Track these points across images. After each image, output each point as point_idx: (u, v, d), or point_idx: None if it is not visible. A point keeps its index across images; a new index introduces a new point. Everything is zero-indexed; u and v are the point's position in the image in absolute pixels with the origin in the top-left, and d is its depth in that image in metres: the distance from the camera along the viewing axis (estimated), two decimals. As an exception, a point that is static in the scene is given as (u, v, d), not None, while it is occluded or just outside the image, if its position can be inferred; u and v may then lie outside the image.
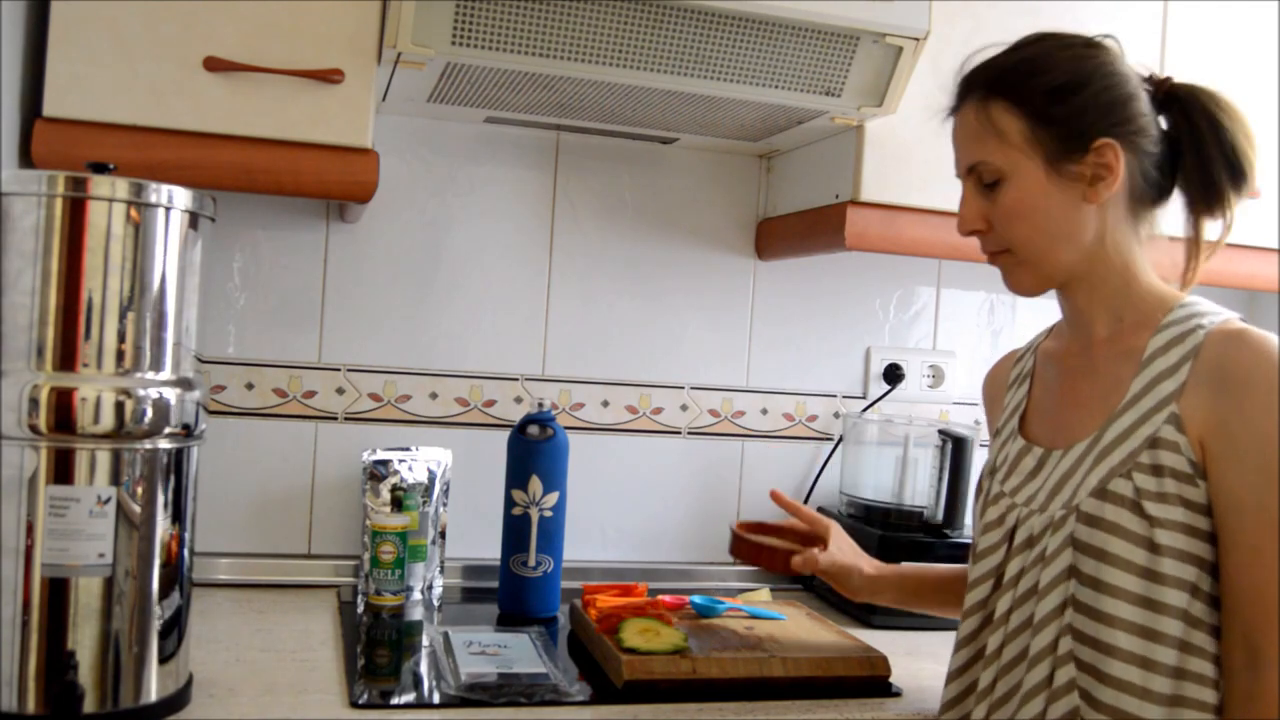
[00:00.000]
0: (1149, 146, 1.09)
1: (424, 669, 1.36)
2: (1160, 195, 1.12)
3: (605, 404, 1.88)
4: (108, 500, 1.07)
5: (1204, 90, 1.11)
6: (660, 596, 1.58)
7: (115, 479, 1.07)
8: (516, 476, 1.61)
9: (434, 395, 1.80)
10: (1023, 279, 1.12)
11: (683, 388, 1.93)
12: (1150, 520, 1.00)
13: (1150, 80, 1.12)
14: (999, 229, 1.10)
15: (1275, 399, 0.97)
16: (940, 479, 1.78)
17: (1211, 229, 1.12)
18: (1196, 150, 1.09)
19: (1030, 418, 1.19)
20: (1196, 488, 1.00)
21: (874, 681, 1.37)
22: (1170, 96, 1.11)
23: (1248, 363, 0.99)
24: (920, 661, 1.50)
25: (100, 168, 1.09)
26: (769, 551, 1.40)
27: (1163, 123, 1.12)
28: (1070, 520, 1.05)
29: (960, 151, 1.14)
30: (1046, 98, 1.07)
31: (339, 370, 1.76)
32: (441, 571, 1.69)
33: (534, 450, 1.61)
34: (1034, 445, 1.14)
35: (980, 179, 1.11)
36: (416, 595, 1.65)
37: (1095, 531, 1.03)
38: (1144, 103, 1.09)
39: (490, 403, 1.83)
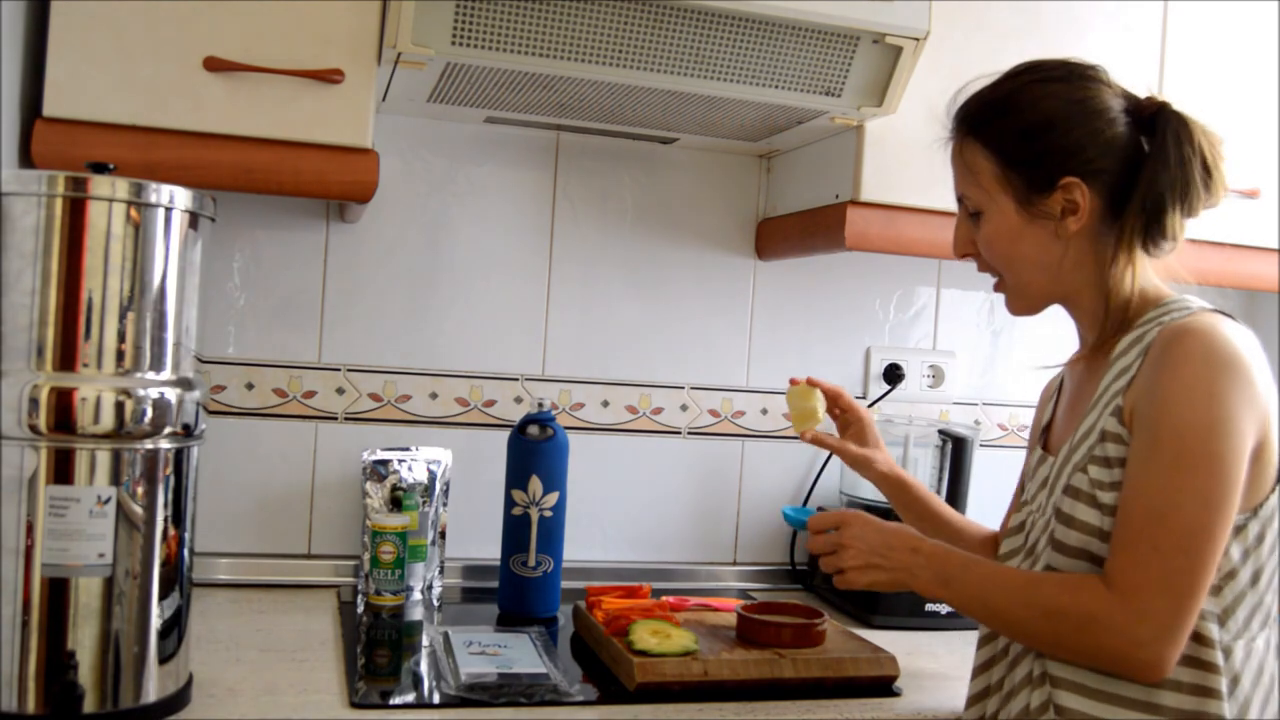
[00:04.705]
0: (1122, 174, 1.10)
1: (424, 669, 1.36)
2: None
3: (605, 404, 1.88)
4: (108, 500, 1.07)
5: (1176, 115, 1.10)
6: (666, 598, 1.58)
7: (115, 479, 1.07)
8: (516, 476, 1.61)
9: (434, 395, 1.80)
10: (1018, 301, 1.19)
11: (683, 388, 1.93)
12: (1102, 509, 1.05)
13: (1134, 104, 1.13)
14: (986, 256, 1.18)
15: (1187, 382, 1.00)
16: (940, 479, 1.78)
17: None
18: (1153, 174, 1.09)
19: (1051, 428, 1.25)
20: None
21: (883, 682, 1.37)
22: (1150, 119, 1.11)
23: (1175, 348, 1.03)
24: (920, 661, 1.50)
25: (100, 168, 1.09)
26: (774, 628, 1.41)
27: (1145, 145, 1.12)
28: (1052, 520, 1.11)
29: (954, 179, 1.20)
30: (1015, 140, 1.11)
31: (339, 370, 1.76)
32: (441, 571, 1.69)
33: (534, 450, 1.61)
34: (1047, 455, 1.20)
35: (966, 208, 1.18)
36: (416, 595, 1.65)
37: (1059, 525, 1.09)
38: (1119, 133, 1.10)
39: (490, 403, 1.83)
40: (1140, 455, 1.02)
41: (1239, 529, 1.04)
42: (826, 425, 1.46)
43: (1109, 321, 1.13)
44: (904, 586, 1.14)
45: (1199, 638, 1.02)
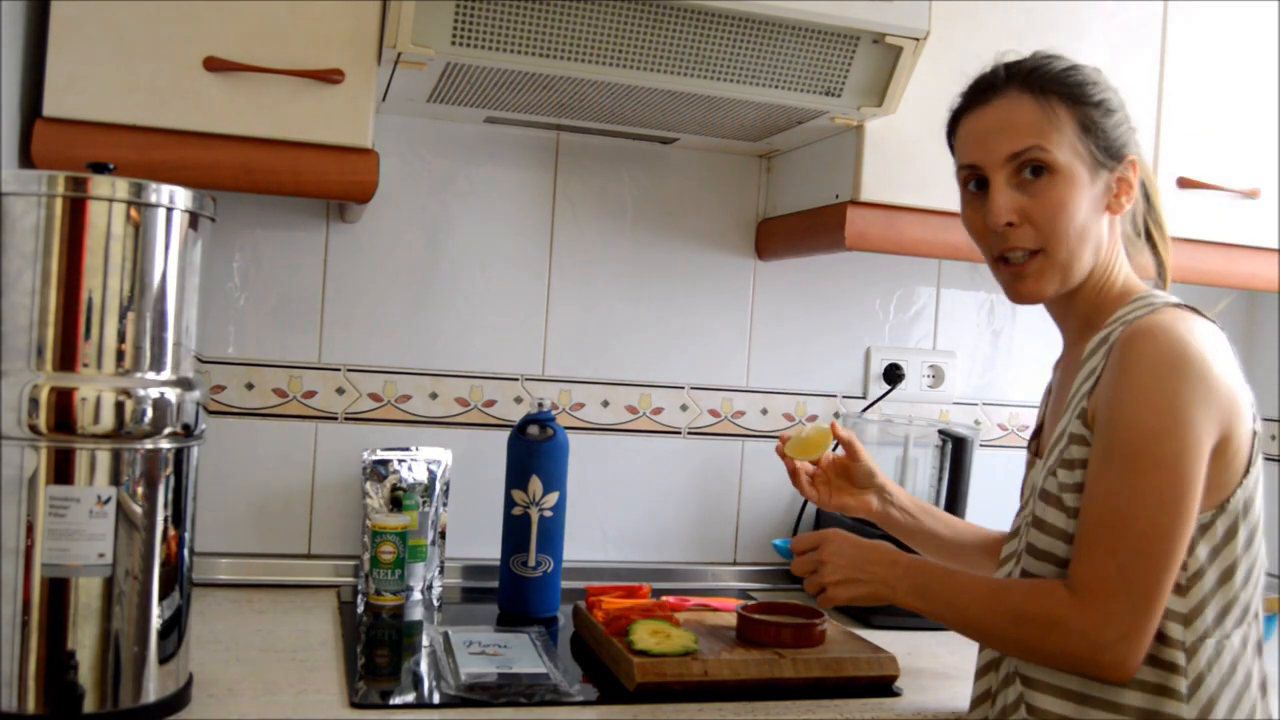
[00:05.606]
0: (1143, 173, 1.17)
1: (424, 669, 1.36)
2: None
3: (605, 404, 1.88)
4: (108, 500, 1.07)
5: None
6: (666, 598, 1.58)
7: (115, 479, 1.07)
8: (516, 476, 1.61)
9: (434, 395, 1.80)
10: (1048, 281, 1.12)
11: (683, 388, 1.93)
12: (1067, 512, 1.06)
13: None
14: (1039, 223, 1.10)
15: (1140, 384, 1.01)
16: (940, 479, 1.78)
17: None
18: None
19: (1041, 433, 1.25)
20: None
21: (883, 682, 1.37)
22: None
23: (1129, 350, 1.03)
24: (920, 661, 1.50)
25: (100, 168, 1.09)
26: (774, 628, 1.41)
27: None
28: (1030, 526, 1.12)
29: (1003, 138, 1.11)
30: (1097, 108, 1.11)
31: (339, 370, 1.76)
32: (441, 571, 1.69)
33: (534, 450, 1.61)
34: (1035, 459, 1.21)
35: (1021, 168, 1.11)
36: (416, 595, 1.65)
37: (1032, 530, 1.10)
38: None
39: (490, 403, 1.83)
40: (1098, 459, 1.02)
41: (1205, 527, 1.03)
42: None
43: (1096, 315, 1.14)
44: (882, 600, 1.16)
45: (1161, 638, 1.02)
